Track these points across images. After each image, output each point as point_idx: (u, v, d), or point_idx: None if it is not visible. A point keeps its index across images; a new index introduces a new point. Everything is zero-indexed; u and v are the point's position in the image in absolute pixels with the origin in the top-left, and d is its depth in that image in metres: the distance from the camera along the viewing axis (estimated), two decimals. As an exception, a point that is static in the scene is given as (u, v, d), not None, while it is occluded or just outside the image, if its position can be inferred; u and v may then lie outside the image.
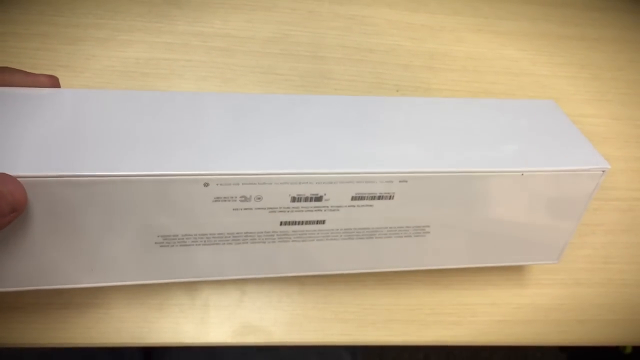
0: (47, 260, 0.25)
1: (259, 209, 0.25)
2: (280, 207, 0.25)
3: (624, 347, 0.80)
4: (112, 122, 0.25)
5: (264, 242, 0.27)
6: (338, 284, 0.34)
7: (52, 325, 0.31)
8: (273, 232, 0.26)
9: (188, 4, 0.38)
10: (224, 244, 0.26)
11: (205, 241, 0.26)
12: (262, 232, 0.26)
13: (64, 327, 0.31)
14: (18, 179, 0.22)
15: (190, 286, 0.33)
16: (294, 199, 0.25)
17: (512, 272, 0.36)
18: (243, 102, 0.28)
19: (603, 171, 0.27)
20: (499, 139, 0.28)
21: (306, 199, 0.25)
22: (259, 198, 0.25)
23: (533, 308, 0.36)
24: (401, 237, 0.28)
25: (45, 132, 0.24)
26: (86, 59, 0.36)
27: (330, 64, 0.39)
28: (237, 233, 0.26)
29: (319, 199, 0.25)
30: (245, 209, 0.25)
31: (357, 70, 0.39)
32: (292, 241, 0.27)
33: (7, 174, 0.22)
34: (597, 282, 0.37)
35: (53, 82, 0.28)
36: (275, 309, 0.33)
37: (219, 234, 0.26)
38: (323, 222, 0.27)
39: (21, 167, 0.22)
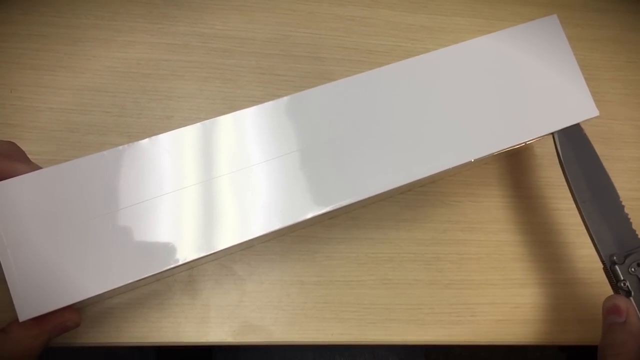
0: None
1: None
2: None
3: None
4: None
5: None
6: (338, 283, 0.34)
7: (53, 324, 0.31)
8: None
9: (188, 5, 0.38)
10: None
11: None
12: None
13: (64, 327, 0.31)
14: None
15: (191, 286, 0.33)
16: None
17: (511, 272, 0.36)
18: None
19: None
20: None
21: None
22: None
23: (532, 307, 0.36)
24: None
25: None
26: (87, 60, 0.36)
27: (329, 64, 0.39)
28: None
29: None
30: None
31: (356, 71, 0.39)
32: None
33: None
34: (596, 281, 0.37)
35: None
36: (275, 309, 0.33)
37: None
38: None
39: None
